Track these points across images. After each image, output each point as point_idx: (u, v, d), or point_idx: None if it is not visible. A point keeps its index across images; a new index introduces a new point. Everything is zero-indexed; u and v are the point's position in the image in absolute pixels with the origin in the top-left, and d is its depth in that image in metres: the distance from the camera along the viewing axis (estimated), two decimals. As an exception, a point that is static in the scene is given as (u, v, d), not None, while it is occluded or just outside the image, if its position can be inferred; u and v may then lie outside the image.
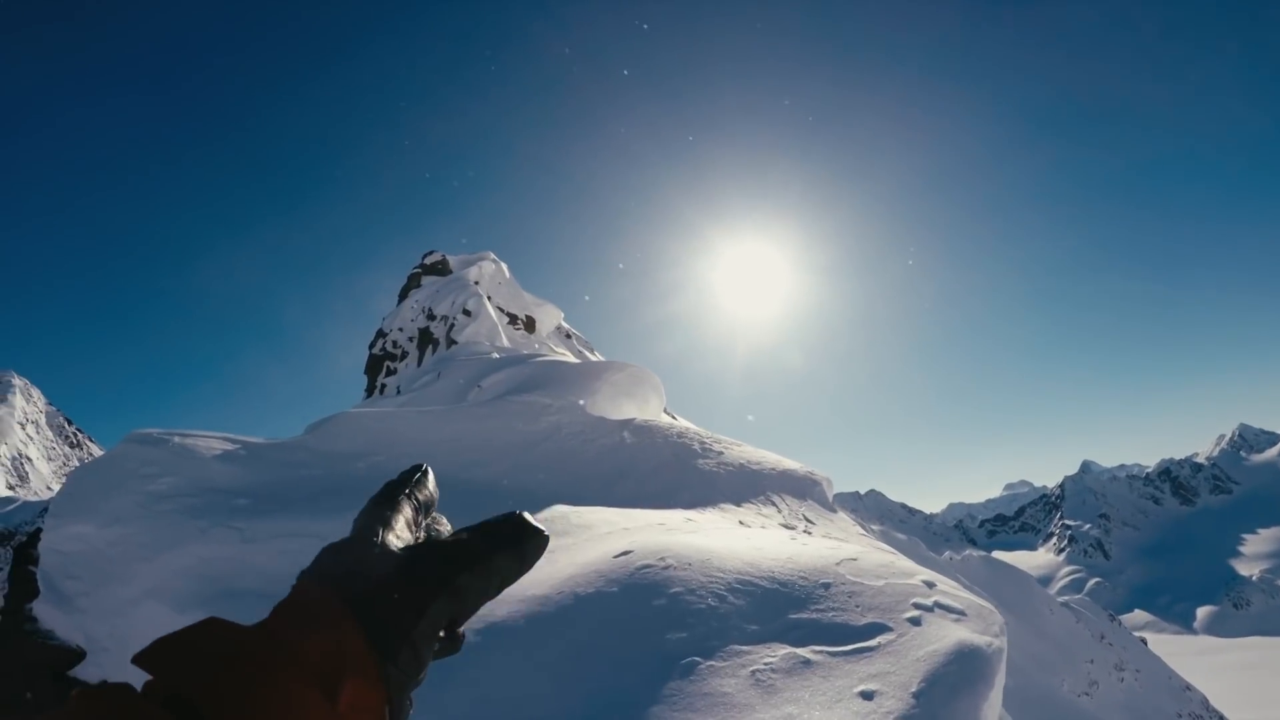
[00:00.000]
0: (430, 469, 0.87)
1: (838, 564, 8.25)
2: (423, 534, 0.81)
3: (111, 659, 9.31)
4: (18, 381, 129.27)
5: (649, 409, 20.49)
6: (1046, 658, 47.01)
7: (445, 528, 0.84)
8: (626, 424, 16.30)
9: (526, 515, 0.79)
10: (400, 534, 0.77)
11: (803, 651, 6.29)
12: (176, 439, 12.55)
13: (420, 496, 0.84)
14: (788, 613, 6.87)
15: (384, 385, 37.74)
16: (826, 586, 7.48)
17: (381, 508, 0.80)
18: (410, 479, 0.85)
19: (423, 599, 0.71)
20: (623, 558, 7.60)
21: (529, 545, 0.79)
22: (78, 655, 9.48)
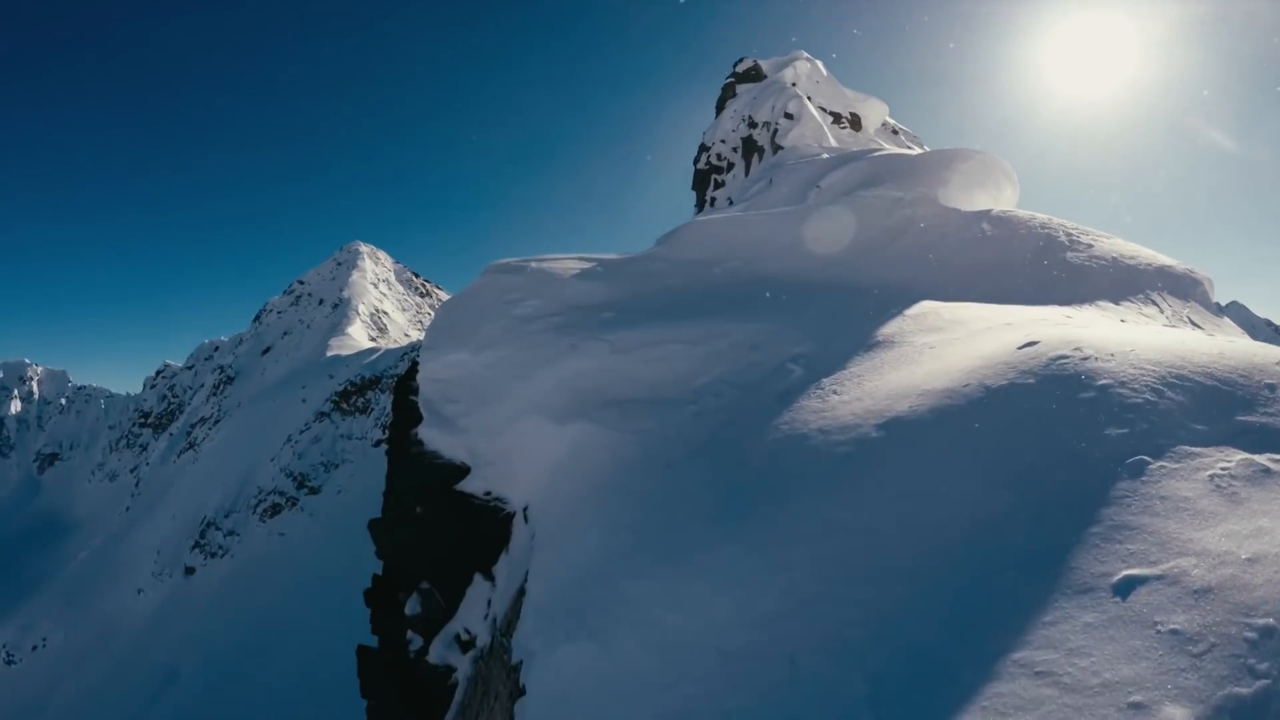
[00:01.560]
0: None
1: (1277, 363, 7.06)
2: None
3: (496, 471, 9.91)
4: (364, 248, 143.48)
5: (1003, 199, 18.82)
6: None
7: None
8: (984, 215, 15.01)
9: None
10: None
11: (1260, 459, 5.40)
12: (533, 264, 13.02)
13: None
14: (1234, 414, 5.91)
15: (713, 199, 37.78)
16: (1272, 389, 6.37)
17: None
18: None
19: None
20: (1029, 349, 6.90)
21: None
22: (463, 470, 10.16)
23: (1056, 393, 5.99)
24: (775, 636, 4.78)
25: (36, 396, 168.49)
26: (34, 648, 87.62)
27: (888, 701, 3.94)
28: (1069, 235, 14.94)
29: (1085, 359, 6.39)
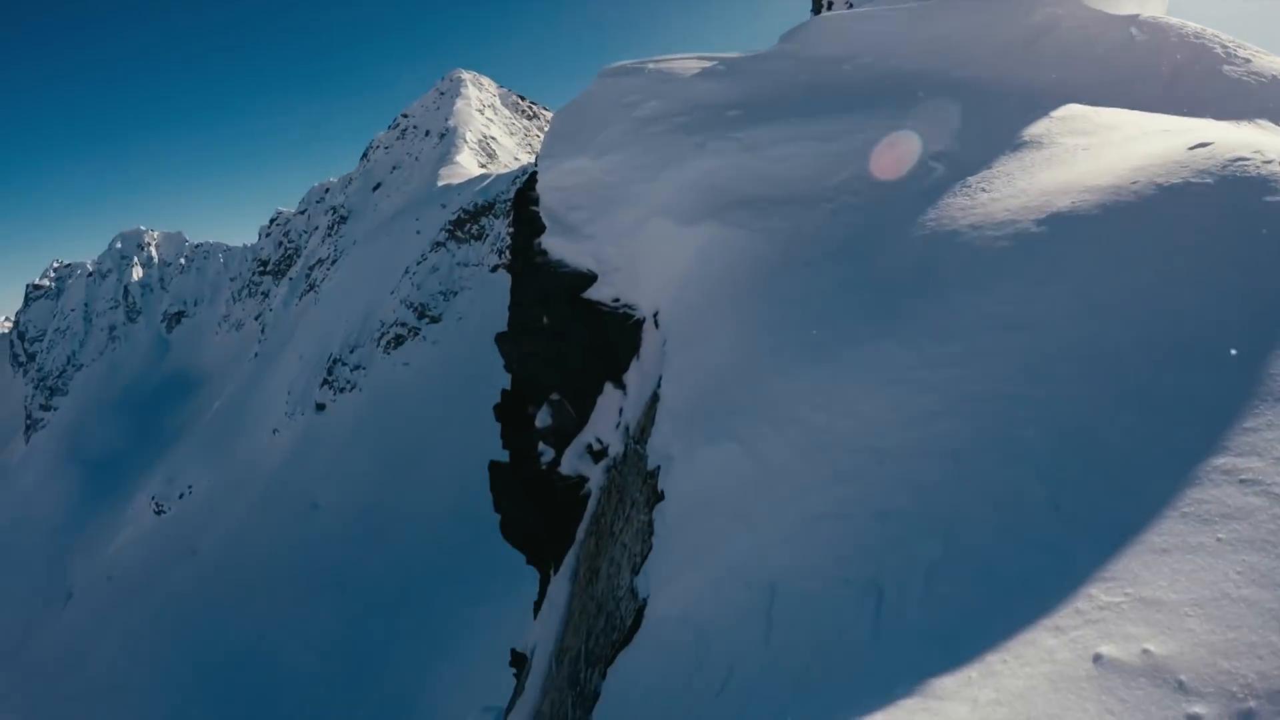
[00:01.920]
0: None
1: None
2: None
3: (623, 277, 9.68)
4: (466, 75, 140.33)
5: (1150, 5, 17.38)
6: None
7: None
8: (1132, 19, 13.88)
9: None
10: None
11: None
12: (651, 65, 12.44)
13: None
14: None
15: (830, 2, 35.61)
16: None
17: None
18: None
19: None
20: (1201, 149, 6.45)
21: None
22: (589, 278, 9.99)
23: (1238, 194, 5.60)
24: (936, 435, 4.60)
25: (156, 260, 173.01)
26: (180, 496, 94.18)
27: (1071, 506, 3.70)
28: (1225, 48, 13.77)
29: (1268, 161, 5.95)
